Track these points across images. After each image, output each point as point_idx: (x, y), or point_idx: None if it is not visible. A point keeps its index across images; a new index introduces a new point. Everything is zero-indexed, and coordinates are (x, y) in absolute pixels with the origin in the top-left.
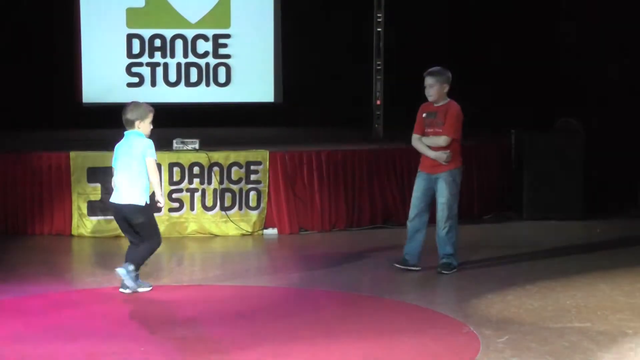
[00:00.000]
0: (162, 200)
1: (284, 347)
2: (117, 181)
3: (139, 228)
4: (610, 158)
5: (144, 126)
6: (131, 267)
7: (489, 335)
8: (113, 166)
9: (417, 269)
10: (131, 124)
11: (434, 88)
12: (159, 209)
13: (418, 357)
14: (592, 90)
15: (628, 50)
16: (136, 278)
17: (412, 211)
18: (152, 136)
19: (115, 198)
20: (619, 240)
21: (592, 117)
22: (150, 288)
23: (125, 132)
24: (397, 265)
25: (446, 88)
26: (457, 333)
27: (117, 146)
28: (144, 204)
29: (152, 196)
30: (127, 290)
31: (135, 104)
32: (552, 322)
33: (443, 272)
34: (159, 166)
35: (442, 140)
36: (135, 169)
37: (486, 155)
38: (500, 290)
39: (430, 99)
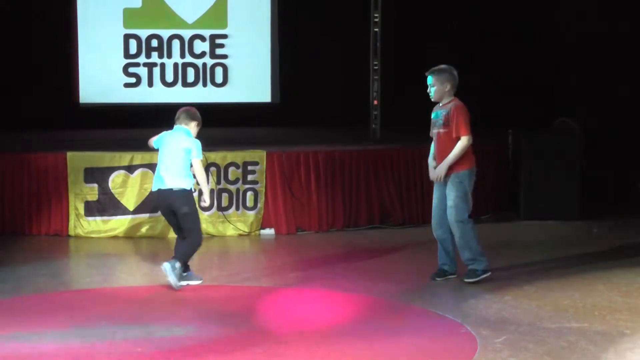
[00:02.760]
0: (207, 199)
1: (281, 347)
2: (161, 171)
3: (182, 220)
4: (607, 158)
5: (195, 130)
6: (178, 264)
7: (487, 335)
8: (157, 147)
9: (454, 276)
10: (187, 123)
11: (434, 87)
12: (205, 208)
13: (415, 357)
14: (590, 90)
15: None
16: (182, 273)
17: (433, 220)
18: (149, 136)
19: (159, 185)
20: (616, 240)
21: (590, 117)
22: (200, 281)
23: (176, 126)
24: (438, 279)
25: (448, 87)
26: (455, 333)
27: (164, 134)
28: (189, 189)
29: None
30: (171, 283)
31: (196, 111)
32: (549, 322)
33: (466, 280)
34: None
35: (459, 144)
36: (182, 162)
37: (483, 155)
38: (498, 290)
39: (432, 98)
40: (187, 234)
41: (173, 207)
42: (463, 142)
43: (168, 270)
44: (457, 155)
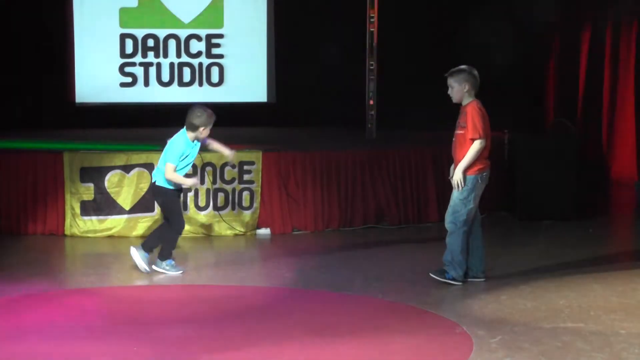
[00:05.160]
0: (188, 182)
1: (276, 347)
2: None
3: (161, 210)
4: (603, 158)
5: (205, 132)
6: (139, 247)
7: (482, 335)
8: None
9: (482, 280)
10: (194, 129)
11: (453, 89)
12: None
13: (411, 357)
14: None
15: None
16: (152, 259)
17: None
18: (145, 135)
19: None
20: (612, 240)
21: (586, 118)
22: (181, 272)
23: (183, 130)
24: (433, 271)
25: (467, 87)
26: (450, 333)
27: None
28: (161, 186)
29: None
30: (141, 269)
31: (203, 110)
32: (545, 322)
33: (431, 273)
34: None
35: (472, 148)
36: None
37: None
38: (494, 290)
39: (453, 100)
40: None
41: (154, 199)
42: (475, 145)
43: (133, 254)
44: (471, 159)
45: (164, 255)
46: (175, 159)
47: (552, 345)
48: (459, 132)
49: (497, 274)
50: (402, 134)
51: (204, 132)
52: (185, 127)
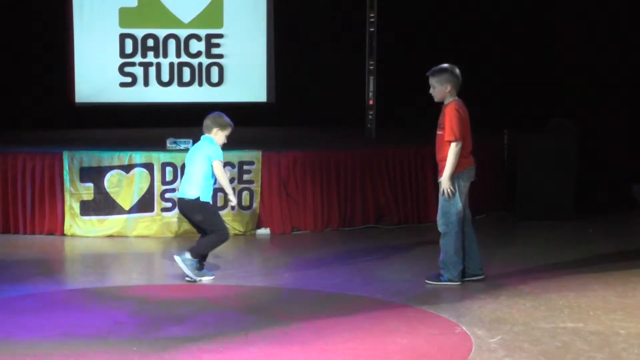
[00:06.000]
0: (233, 199)
1: (276, 347)
2: (183, 180)
3: (197, 225)
4: (603, 158)
5: (220, 135)
6: (187, 255)
7: (482, 335)
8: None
9: (481, 277)
10: (209, 129)
11: (435, 89)
12: (232, 207)
13: (410, 357)
14: (587, 90)
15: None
16: (199, 268)
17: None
18: (145, 135)
19: (179, 193)
20: (611, 240)
21: (585, 118)
22: (213, 277)
23: (202, 137)
24: (428, 276)
25: (448, 87)
26: (450, 333)
27: (191, 148)
28: (195, 198)
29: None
30: (188, 279)
31: (220, 115)
32: (544, 322)
33: (426, 280)
34: (150, 166)
35: (450, 152)
36: (195, 171)
37: (479, 156)
38: (493, 290)
39: (435, 99)
40: (210, 233)
41: (186, 215)
42: (452, 148)
43: (179, 262)
44: (453, 164)
45: (195, 255)
46: (221, 155)
47: (552, 345)
48: (439, 132)
49: (497, 274)
50: (402, 134)
51: (218, 133)
52: (207, 134)
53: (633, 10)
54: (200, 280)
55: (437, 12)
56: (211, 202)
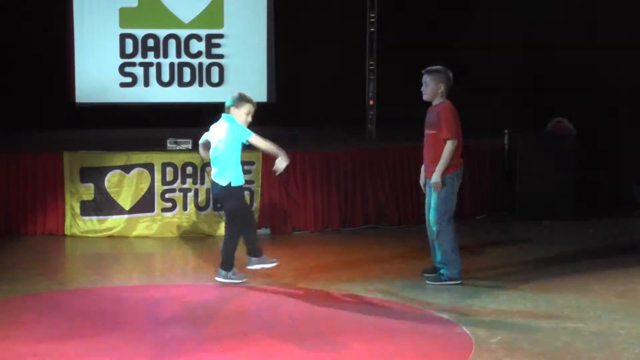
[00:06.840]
0: (284, 160)
1: (275, 347)
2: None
3: (225, 213)
4: (603, 158)
5: (237, 113)
6: (251, 261)
7: (482, 335)
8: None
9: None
10: (227, 109)
11: (428, 87)
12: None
13: (411, 357)
14: (587, 91)
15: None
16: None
17: (426, 219)
18: (145, 135)
19: (213, 175)
20: (611, 240)
21: (585, 118)
22: (244, 280)
23: (222, 114)
24: (426, 275)
25: (442, 87)
26: (450, 333)
27: (211, 127)
28: (225, 184)
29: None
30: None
31: (240, 95)
32: (545, 322)
33: (427, 281)
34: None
35: (445, 149)
36: (223, 155)
37: (479, 156)
38: (493, 290)
39: (424, 97)
40: (226, 228)
41: (218, 201)
42: (448, 146)
43: (254, 267)
44: (447, 161)
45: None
46: (247, 130)
47: (552, 346)
48: (429, 132)
49: (497, 274)
50: (402, 134)
51: (235, 112)
52: (227, 113)
53: (633, 10)
54: (272, 264)
55: (437, 12)
56: (243, 185)
